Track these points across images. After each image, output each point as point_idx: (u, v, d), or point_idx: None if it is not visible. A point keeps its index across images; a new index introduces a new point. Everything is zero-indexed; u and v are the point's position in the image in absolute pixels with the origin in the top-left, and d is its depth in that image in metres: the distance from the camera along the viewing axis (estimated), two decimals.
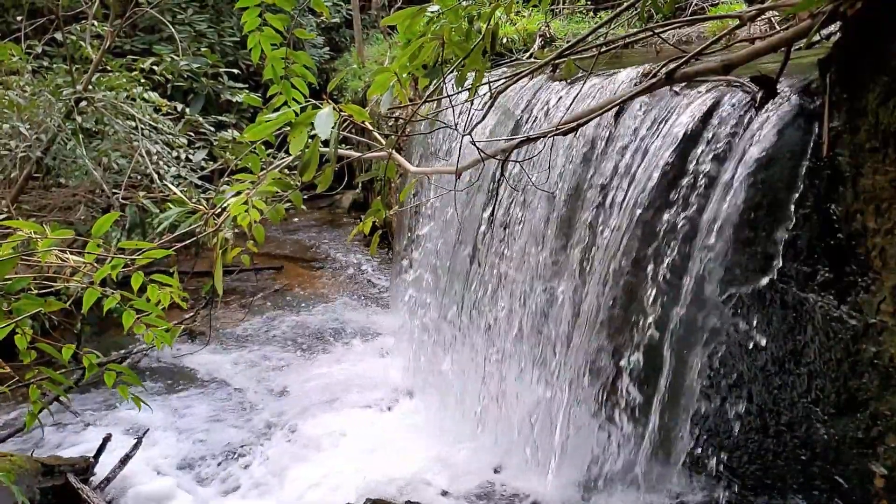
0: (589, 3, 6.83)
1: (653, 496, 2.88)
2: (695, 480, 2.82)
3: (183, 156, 4.73)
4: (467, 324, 3.88)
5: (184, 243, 1.89)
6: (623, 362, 2.88)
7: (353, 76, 7.84)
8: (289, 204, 1.86)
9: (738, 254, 2.42)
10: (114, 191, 4.39)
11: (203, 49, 6.23)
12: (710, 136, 2.44)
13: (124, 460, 3.50)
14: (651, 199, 2.64)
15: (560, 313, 3.18)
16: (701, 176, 2.47)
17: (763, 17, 3.62)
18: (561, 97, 3.35)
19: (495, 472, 3.47)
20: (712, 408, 2.69)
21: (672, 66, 2.02)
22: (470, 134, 2.01)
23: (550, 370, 3.25)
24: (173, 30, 5.68)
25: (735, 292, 2.49)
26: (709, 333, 2.59)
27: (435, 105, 2.82)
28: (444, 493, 3.36)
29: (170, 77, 5.23)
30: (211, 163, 5.01)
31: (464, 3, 1.77)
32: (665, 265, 2.61)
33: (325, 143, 1.60)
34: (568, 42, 3.24)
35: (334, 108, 1.51)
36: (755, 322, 2.45)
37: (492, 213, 3.69)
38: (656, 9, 2.59)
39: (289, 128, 1.53)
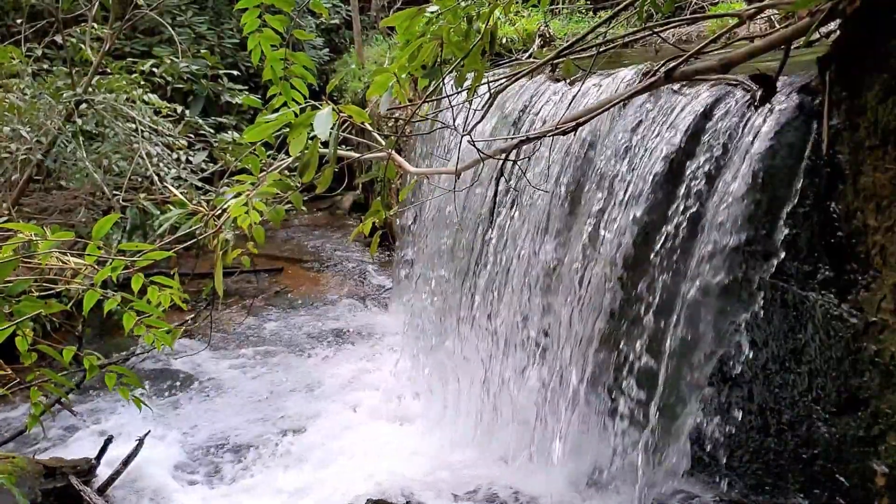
0: (588, 2, 6.83)
1: (654, 495, 2.87)
2: (696, 479, 2.82)
3: (183, 158, 4.73)
4: (469, 325, 3.88)
5: (184, 245, 1.89)
6: (624, 362, 2.88)
7: (353, 77, 7.84)
8: (289, 205, 1.86)
9: (739, 253, 2.42)
10: (114, 193, 4.39)
11: (203, 51, 6.22)
12: (710, 135, 2.44)
13: (126, 462, 3.50)
14: (651, 200, 2.64)
15: (561, 313, 3.18)
16: (701, 175, 2.47)
17: (763, 15, 3.62)
18: (560, 97, 3.35)
19: (497, 472, 3.47)
20: (713, 407, 2.69)
21: (671, 64, 2.02)
22: (469, 134, 2.01)
23: (552, 371, 3.25)
24: (173, 32, 5.68)
25: (736, 291, 2.49)
26: (710, 332, 2.59)
27: (434, 105, 2.83)
28: (446, 494, 3.36)
29: (170, 79, 5.23)
30: (211, 164, 5.02)
31: (462, 4, 1.77)
32: (665, 265, 2.62)
33: (325, 144, 1.60)
34: (567, 42, 3.24)
35: (334, 109, 1.51)
36: (756, 321, 2.45)
37: (492, 213, 3.69)
38: (656, 8, 2.59)
39: (288, 129, 1.53)
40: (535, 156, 3.33)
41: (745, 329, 2.50)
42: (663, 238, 2.61)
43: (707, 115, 2.49)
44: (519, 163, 3.06)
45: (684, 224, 2.53)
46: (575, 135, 3.10)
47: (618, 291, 2.83)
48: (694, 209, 2.50)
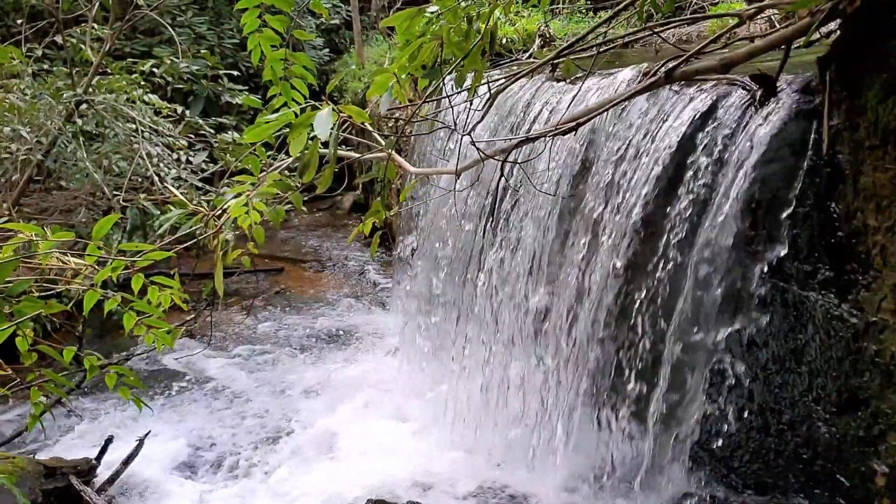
0: (588, 2, 6.83)
1: (655, 495, 2.87)
2: (697, 480, 2.82)
3: (183, 158, 4.73)
4: (469, 325, 3.88)
5: (184, 245, 1.89)
6: (623, 363, 2.88)
7: (353, 77, 7.84)
8: (289, 206, 1.86)
9: (739, 253, 2.42)
10: (114, 193, 4.40)
11: (203, 51, 6.23)
12: (710, 135, 2.44)
13: (126, 462, 3.50)
14: (650, 200, 2.64)
15: (561, 315, 3.18)
16: (700, 175, 2.47)
17: (763, 15, 3.62)
18: (560, 97, 3.35)
19: (496, 473, 3.47)
20: (714, 407, 2.69)
21: (671, 64, 2.03)
22: (470, 134, 2.01)
23: (552, 371, 3.25)
24: (173, 32, 5.68)
25: (736, 291, 2.49)
26: (710, 332, 2.59)
27: (434, 105, 2.83)
28: (446, 494, 3.36)
29: (170, 79, 5.23)
30: (211, 165, 5.02)
31: (462, 4, 1.77)
32: (665, 265, 2.61)
33: (325, 145, 1.60)
34: (567, 42, 3.25)
35: (334, 109, 1.51)
36: (756, 321, 2.45)
37: (492, 214, 3.69)
38: (656, 8, 2.59)
39: (288, 129, 1.53)
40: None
41: (745, 329, 2.50)
42: (663, 239, 2.60)
43: (706, 115, 2.49)
44: (520, 165, 3.06)
45: (684, 224, 2.53)
46: (574, 135, 3.10)
47: (617, 294, 2.83)
48: (694, 209, 2.50)
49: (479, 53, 1.80)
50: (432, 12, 1.79)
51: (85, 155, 4.25)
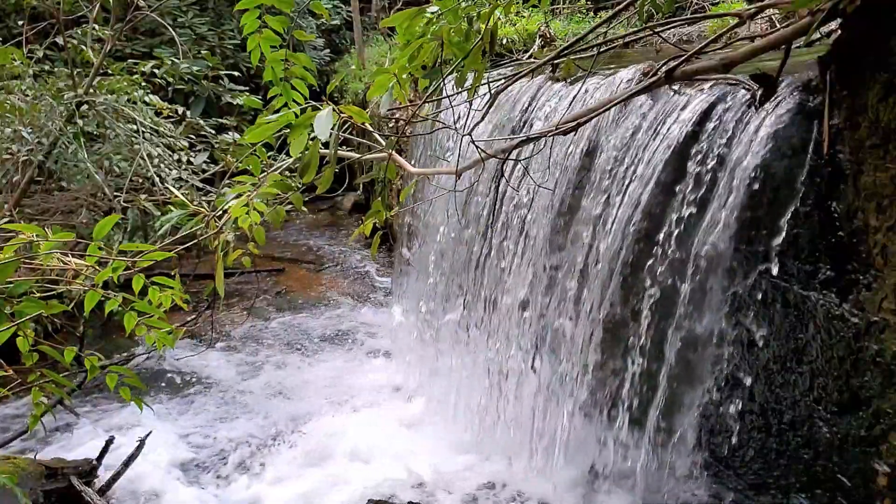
0: (589, 2, 6.82)
1: (655, 496, 2.87)
2: (697, 479, 2.82)
3: (184, 159, 4.74)
4: (469, 325, 3.88)
5: (185, 245, 1.88)
6: (625, 362, 2.88)
7: (353, 78, 7.85)
8: (290, 206, 1.86)
9: (740, 253, 2.42)
10: (115, 194, 4.40)
11: (204, 52, 6.24)
12: (710, 134, 2.44)
13: (127, 462, 3.50)
14: (651, 200, 2.64)
15: (562, 314, 3.17)
16: (700, 175, 2.47)
17: (763, 15, 3.62)
18: (560, 97, 3.35)
19: (497, 473, 3.47)
20: (715, 406, 2.69)
21: (672, 64, 2.02)
22: (470, 134, 2.01)
23: (553, 371, 3.25)
24: (174, 33, 5.68)
25: (736, 291, 2.49)
26: (710, 332, 2.58)
27: (435, 106, 2.83)
28: (447, 494, 3.36)
29: (171, 80, 5.23)
30: (212, 165, 5.02)
31: (463, 4, 1.77)
32: (665, 266, 2.61)
33: (326, 145, 1.60)
34: (567, 42, 3.24)
35: (334, 110, 1.51)
36: (756, 320, 2.45)
37: (493, 213, 3.69)
38: (656, 8, 2.59)
39: (289, 130, 1.54)
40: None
41: (746, 329, 2.50)
42: (662, 239, 2.60)
43: (707, 114, 2.48)
44: (521, 164, 3.05)
45: (684, 225, 2.53)
46: (575, 134, 3.10)
47: (618, 295, 2.83)
48: (694, 210, 2.49)
49: (480, 54, 1.80)
50: (433, 12, 1.79)
51: (86, 156, 4.25)
